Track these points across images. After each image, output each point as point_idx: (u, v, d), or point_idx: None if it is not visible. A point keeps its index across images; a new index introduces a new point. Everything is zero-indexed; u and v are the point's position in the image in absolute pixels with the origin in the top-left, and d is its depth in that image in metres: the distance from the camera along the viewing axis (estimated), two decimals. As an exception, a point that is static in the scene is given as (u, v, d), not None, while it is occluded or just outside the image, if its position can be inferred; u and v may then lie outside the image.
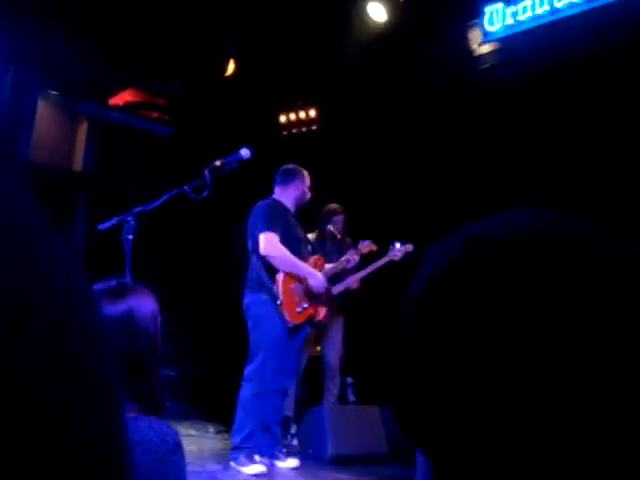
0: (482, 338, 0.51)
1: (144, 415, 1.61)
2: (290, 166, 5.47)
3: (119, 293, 1.71)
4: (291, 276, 5.13)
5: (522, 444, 0.49)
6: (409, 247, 5.92)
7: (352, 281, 6.12)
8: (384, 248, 5.97)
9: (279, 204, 5.29)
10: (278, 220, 5.12)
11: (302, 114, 8.33)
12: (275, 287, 5.05)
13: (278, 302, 5.02)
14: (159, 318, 1.77)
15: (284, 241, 5.09)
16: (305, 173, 5.43)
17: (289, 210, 5.33)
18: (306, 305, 5.17)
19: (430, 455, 0.55)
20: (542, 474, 0.49)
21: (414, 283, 0.59)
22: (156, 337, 1.74)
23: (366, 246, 5.82)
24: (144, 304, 1.72)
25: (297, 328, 5.14)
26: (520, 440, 0.49)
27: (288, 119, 8.46)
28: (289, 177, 5.40)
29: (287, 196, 5.36)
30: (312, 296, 5.20)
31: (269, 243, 5.03)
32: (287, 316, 5.03)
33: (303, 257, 5.26)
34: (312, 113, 8.27)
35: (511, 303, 0.50)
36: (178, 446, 1.60)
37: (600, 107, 5.54)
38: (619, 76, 5.44)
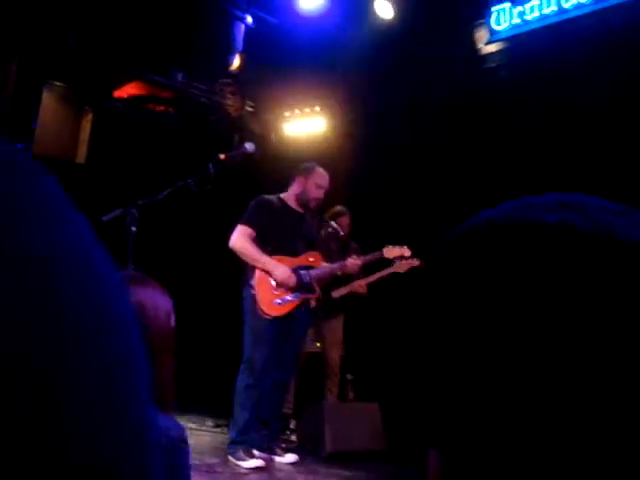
0: (480, 325, 0.51)
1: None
2: (306, 164, 5.44)
3: (138, 280, 1.70)
4: None
5: (534, 439, 0.49)
6: (415, 262, 5.82)
7: (357, 285, 6.15)
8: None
9: (277, 200, 5.31)
10: (260, 215, 5.17)
11: (307, 110, 8.31)
12: (253, 279, 5.11)
13: (253, 292, 5.08)
14: (173, 316, 1.75)
15: (269, 237, 5.14)
16: (316, 173, 5.34)
17: (289, 207, 5.32)
18: (289, 297, 5.17)
19: (442, 451, 0.55)
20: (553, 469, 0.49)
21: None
22: (170, 332, 1.72)
23: (397, 250, 5.80)
24: (158, 296, 1.71)
25: (289, 321, 5.14)
26: (532, 434, 0.49)
27: (292, 115, 8.43)
28: (297, 173, 5.39)
29: (291, 192, 5.37)
30: (299, 288, 5.19)
31: (236, 236, 5.13)
32: (262, 308, 5.06)
33: (294, 252, 5.26)
34: (316, 109, 8.25)
35: (499, 290, 0.50)
36: (183, 442, 1.59)
37: (606, 108, 5.53)
38: (627, 77, 5.43)
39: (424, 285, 0.57)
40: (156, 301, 1.69)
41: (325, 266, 5.47)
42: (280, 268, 5.13)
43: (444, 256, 0.56)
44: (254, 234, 5.13)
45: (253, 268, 5.13)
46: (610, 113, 5.54)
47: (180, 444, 1.56)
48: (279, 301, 5.13)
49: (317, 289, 5.35)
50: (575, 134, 5.74)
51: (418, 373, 0.55)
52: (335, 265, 5.55)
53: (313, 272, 5.32)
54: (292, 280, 5.15)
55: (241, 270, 5.29)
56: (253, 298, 5.09)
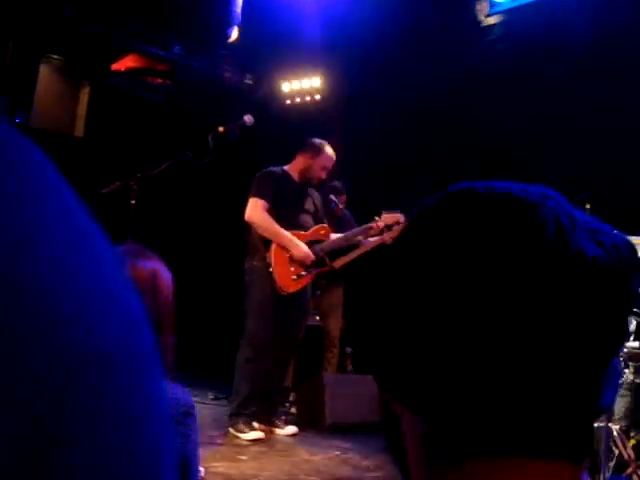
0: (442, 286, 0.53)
1: None
2: (314, 140, 5.36)
3: (146, 253, 1.70)
4: None
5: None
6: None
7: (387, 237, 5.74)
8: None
9: (282, 172, 5.25)
10: (270, 187, 5.09)
11: (306, 82, 8.24)
12: (268, 254, 5.06)
13: (270, 269, 5.03)
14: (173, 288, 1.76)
15: (276, 209, 5.07)
16: (325, 155, 5.27)
17: (293, 180, 5.28)
18: (303, 273, 5.16)
19: (427, 415, 0.56)
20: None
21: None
22: (171, 304, 1.73)
23: (392, 217, 5.57)
24: (159, 268, 1.72)
25: (295, 296, 5.14)
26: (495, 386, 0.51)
27: (291, 88, 8.37)
28: (303, 148, 5.33)
29: (295, 166, 5.33)
30: (310, 265, 5.19)
31: (253, 209, 5.05)
32: (280, 284, 5.03)
33: (301, 227, 5.24)
34: (316, 82, 8.19)
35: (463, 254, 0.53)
36: (192, 408, 1.62)
37: (607, 81, 5.49)
38: (630, 49, 5.39)
39: (392, 259, 0.59)
40: (158, 273, 1.69)
41: (336, 238, 5.46)
42: (299, 246, 5.12)
43: (410, 227, 0.59)
44: (268, 206, 5.07)
45: (264, 242, 5.08)
46: (609, 86, 5.50)
47: (188, 410, 1.59)
48: (294, 277, 5.13)
49: (329, 262, 5.35)
50: (575, 107, 5.71)
51: (398, 340, 0.57)
52: (352, 232, 5.51)
53: (325, 245, 5.33)
54: (310, 258, 5.15)
55: (244, 243, 5.25)
56: (262, 272, 5.03)
